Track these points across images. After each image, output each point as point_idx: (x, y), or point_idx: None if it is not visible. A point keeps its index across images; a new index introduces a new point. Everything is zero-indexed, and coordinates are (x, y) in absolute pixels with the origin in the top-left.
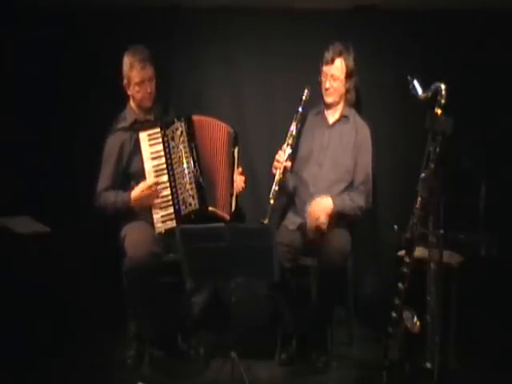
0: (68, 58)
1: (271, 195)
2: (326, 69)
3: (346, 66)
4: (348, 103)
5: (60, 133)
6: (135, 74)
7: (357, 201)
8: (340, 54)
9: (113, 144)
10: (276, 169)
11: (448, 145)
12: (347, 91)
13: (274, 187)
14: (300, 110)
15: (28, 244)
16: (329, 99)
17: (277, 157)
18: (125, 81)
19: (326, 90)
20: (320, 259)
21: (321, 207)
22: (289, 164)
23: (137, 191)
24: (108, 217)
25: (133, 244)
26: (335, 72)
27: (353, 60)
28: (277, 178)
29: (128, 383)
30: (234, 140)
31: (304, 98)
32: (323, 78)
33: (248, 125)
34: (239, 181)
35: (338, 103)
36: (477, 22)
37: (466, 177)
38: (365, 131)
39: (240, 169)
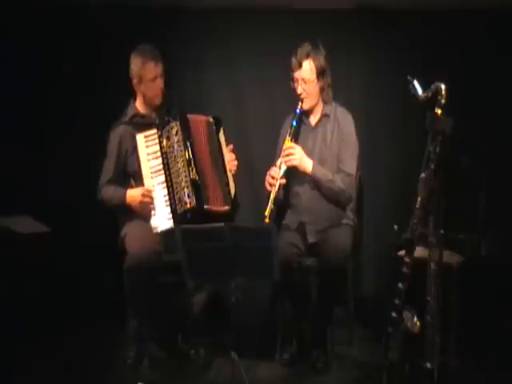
0: (67, 58)
1: (267, 213)
2: (295, 74)
3: (316, 66)
4: (325, 102)
5: (60, 133)
6: (149, 71)
7: (336, 180)
8: (307, 56)
9: (113, 138)
10: (271, 186)
11: (448, 145)
12: (322, 90)
13: (270, 205)
14: (294, 124)
15: (28, 244)
16: (305, 106)
17: (271, 173)
18: (134, 80)
19: (300, 95)
20: (320, 259)
21: (303, 155)
22: (284, 181)
23: (132, 194)
24: (109, 211)
25: (134, 242)
26: (305, 75)
27: (324, 58)
28: (272, 196)
29: (128, 383)
30: (216, 126)
31: (298, 112)
32: (295, 84)
33: (248, 125)
34: (231, 161)
35: (316, 105)
36: (477, 23)
37: (465, 177)
38: (346, 122)
39: (230, 146)
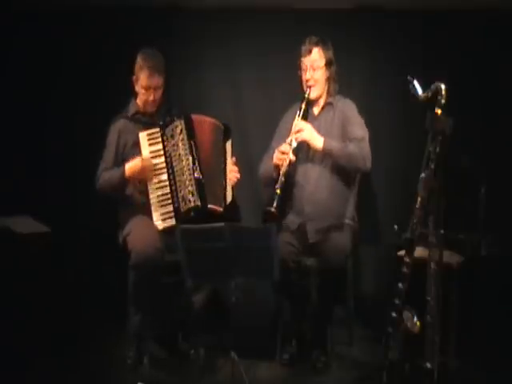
0: (68, 58)
1: (278, 185)
2: (304, 60)
3: (325, 54)
4: (330, 94)
5: (60, 133)
6: (142, 78)
7: (349, 147)
8: (317, 44)
9: (113, 132)
10: (281, 160)
11: (448, 145)
12: (328, 80)
13: (281, 178)
14: (303, 106)
15: (28, 244)
16: (312, 94)
17: (282, 148)
18: (134, 77)
19: (307, 81)
20: (320, 259)
21: (313, 131)
22: (293, 158)
23: (131, 165)
24: (110, 210)
25: (139, 240)
26: (314, 61)
27: (332, 52)
28: (283, 169)
29: (128, 383)
30: (225, 133)
31: (306, 95)
32: (302, 71)
33: (248, 125)
34: (233, 171)
35: (321, 96)
36: (477, 23)
37: (465, 177)
38: (349, 107)
39: (234, 158)
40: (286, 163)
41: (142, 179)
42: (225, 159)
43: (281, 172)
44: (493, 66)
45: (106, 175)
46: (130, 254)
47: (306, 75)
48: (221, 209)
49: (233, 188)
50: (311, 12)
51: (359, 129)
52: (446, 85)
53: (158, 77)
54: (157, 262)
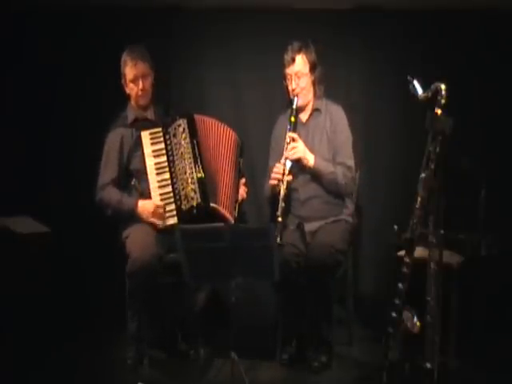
0: (68, 58)
1: (279, 213)
2: (288, 70)
3: (309, 60)
4: (318, 97)
5: (60, 133)
6: (128, 70)
7: (338, 173)
8: (299, 51)
9: (114, 139)
10: (277, 184)
11: (448, 145)
12: (314, 84)
13: (281, 204)
14: (293, 119)
15: (28, 244)
16: (300, 102)
17: (276, 170)
18: (122, 79)
19: (293, 90)
20: (306, 255)
21: (306, 150)
22: (290, 178)
23: (144, 206)
24: (108, 214)
25: (137, 246)
26: (299, 69)
27: (314, 53)
28: (282, 194)
29: (128, 383)
30: (241, 149)
31: (294, 106)
32: (288, 82)
33: (248, 126)
34: (242, 190)
35: (309, 101)
36: (477, 23)
37: (465, 177)
38: (338, 115)
39: (244, 179)
40: (283, 186)
41: (150, 218)
42: (238, 172)
43: (280, 197)
44: (492, 66)
45: (114, 195)
46: (127, 258)
47: (292, 85)
48: (232, 219)
49: (239, 204)
50: (311, 12)
51: (349, 158)
52: (445, 85)
53: (142, 64)
54: (154, 267)
